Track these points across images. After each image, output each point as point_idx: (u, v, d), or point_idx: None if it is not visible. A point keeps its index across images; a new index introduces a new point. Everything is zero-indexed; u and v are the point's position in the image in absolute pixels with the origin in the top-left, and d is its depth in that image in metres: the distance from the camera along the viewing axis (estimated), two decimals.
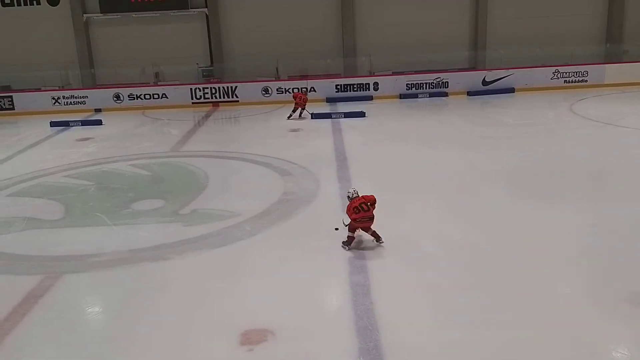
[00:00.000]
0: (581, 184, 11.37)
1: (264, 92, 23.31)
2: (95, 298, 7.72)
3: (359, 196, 8.53)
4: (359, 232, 8.53)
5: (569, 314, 6.50)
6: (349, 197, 8.69)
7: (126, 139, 17.87)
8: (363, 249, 8.42)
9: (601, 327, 6.23)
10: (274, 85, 23.46)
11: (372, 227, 8.47)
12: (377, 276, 7.53)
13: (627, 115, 17.40)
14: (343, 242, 8.53)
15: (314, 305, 6.93)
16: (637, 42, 24.73)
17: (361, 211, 8.35)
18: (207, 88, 23.59)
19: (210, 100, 23.55)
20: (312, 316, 6.65)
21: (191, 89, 23.63)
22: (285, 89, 23.18)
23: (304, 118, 19.35)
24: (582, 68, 23.29)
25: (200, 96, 23.57)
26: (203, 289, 7.53)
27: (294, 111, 19.51)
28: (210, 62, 25.81)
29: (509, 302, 6.78)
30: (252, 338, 6.21)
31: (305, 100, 19.55)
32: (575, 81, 23.22)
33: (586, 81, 23.18)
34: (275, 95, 23.21)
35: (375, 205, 8.44)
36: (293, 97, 19.94)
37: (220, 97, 23.53)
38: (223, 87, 23.57)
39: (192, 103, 23.54)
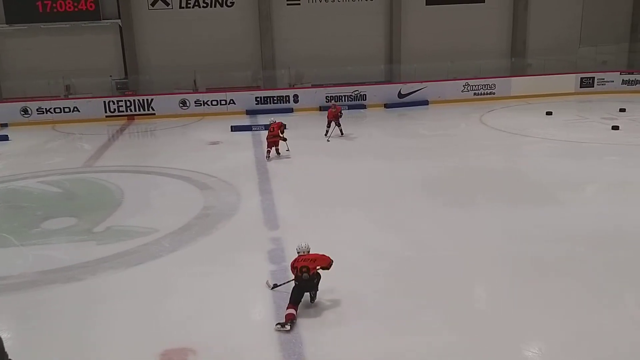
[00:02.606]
0: (495, 191, 11.88)
1: (181, 105, 22.91)
2: (3, 323, 7.24)
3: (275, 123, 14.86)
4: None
5: (492, 316, 6.77)
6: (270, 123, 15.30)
7: (35, 155, 17.01)
8: (285, 261, 8.39)
9: (524, 327, 6.50)
10: (191, 97, 23.12)
11: (277, 146, 14.99)
12: None
13: (532, 125, 18.40)
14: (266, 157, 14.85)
15: (236, 321, 6.80)
16: (538, 56, 26.29)
17: (269, 132, 14.93)
18: (122, 101, 22.91)
19: (125, 113, 22.88)
20: (234, 332, 6.53)
21: (104, 102, 22.87)
22: (203, 101, 22.90)
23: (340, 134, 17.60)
24: (490, 81, 24.49)
25: (115, 109, 22.85)
26: (119, 310, 7.23)
27: (328, 126, 17.63)
28: (125, 74, 25.08)
29: (435, 308, 6.94)
30: (172, 358, 6.02)
31: (333, 114, 17.45)
32: (484, 93, 24.37)
33: (494, 93, 24.37)
34: (193, 108, 22.89)
35: (283, 129, 14.95)
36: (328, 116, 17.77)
37: (135, 110, 22.90)
38: (138, 100, 22.97)
39: (106, 116, 22.77)
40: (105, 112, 22.79)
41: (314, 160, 14.79)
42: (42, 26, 24.28)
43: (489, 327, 6.47)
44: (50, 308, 7.43)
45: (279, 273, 7.99)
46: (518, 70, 26.46)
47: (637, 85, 24.62)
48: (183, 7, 25.00)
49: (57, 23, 24.22)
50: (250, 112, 22.75)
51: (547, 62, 25.70)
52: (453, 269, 8.06)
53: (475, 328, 6.44)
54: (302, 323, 6.62)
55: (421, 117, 21.53)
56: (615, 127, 17.22)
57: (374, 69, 25.93)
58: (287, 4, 25.59)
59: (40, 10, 23.91)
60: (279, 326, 6.42)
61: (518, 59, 26.87)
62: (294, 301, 6.68)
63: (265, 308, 7.08)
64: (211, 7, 25.14)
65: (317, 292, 7.01)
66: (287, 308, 6.59)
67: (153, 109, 22.94)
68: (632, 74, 25.10)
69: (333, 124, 17.38)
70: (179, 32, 24.94)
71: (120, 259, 8.81)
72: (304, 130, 19.22)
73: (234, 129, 19.21)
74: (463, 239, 9.16)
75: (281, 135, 14.94)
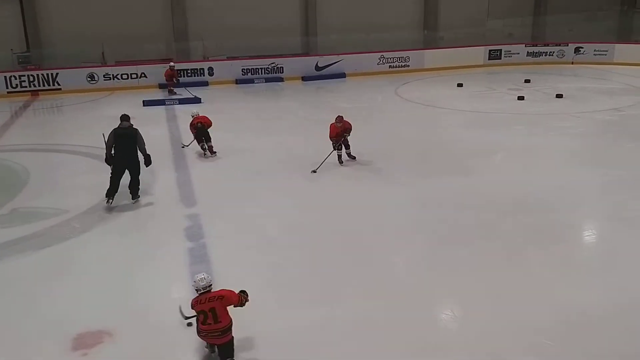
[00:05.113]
0: (409, 161, 12.19)
1: (89, 79, 21.85)
2: None
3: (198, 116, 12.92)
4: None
5: (408, 283, 6.99)
6: None
7: None
8: (203, 238, 8.28)
9: (439, 292, 6.78)
10: (100, 71, 22.09)
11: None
12: (219, 264, 7.42)
13: (444, 97, 18.98)
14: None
15: (153, 301, 6.64)
16: (450, 30, 26.99)
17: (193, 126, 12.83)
18: (24, 76, 21.59)
19: (28, 89, 21.57)
20: (152, 313, 6.39)
21: (5, 77, 21.46)
22: (113, 75, 21.95)
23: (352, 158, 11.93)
24: (404, 54, 24.93)
25: (17, 85, 21.51)
26: (28, 294, 6.90)
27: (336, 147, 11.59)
28: (27, 47, 23.54)
29: (353, 278, 7.06)
30: (85, 342, 5.81)
31: (337, 132, 11.44)
32: (398, 66, 24.81)
33: (408, 66, 24.86)
34: (102, 82, 21.90)
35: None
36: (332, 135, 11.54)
37: (39, 86, 21.64)
38: (43, 75, 21.70)
39: (8, 92, 21.40)
40: (7, 87, 21.39)
41: (233, 135, 14.50)
42: None
43: (405, 294, 6.67)
44: None
45: (196, 250, 7.89)
46: (431, 43, 27.06)
47: (541, 56, 25.86)
48: None
49: None
50: (164, 86, 21.97)
51: (458, 35, 26.44)
52: (369, 239, 8.24)
53: (392, 296, 6.63)
54: None
55: (339, 90, 21.67)
56: (520, 98, 18.04)
57: (291, 40, 25.72)
58: None
59: None
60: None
61: (431, 32, 27.48)
62: None
63: (183, 287, 6.94)
64: None
65: None
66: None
67: (59, 84, 21.75)
68: (536, 46, 26.32)
69: (336, 147, 11.52)
70: (84, 1, 23.60)
71: (27, 242, 8.40)
72: (220, 104, 18.88)
73: (147, 103, 18.57)
74: (379, 209, 9.36)
75: None
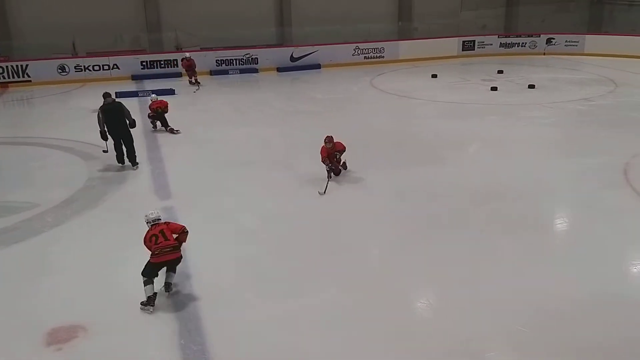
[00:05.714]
0: (384, 152, 12.23)
1: (60, 71, 21.41)
2: None
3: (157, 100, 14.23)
4: None
5: (383, 273, 7.03)
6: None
7: None
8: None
9: (414, 280, 6.84)
10: (71, 62, 21.64)
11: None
12: (196, 256, 7.37)
13: (419, 88, 19.05)
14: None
15: (127, 295, 6.53)
16: (424, 21, 27.08)
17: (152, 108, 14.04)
18: None
19: None
20: (126, 307, 6.30)
21: None
22: (84, 66, 21.56)
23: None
24: (379, 45, 24.94)
25: None
26: (0, 289, 6.78)
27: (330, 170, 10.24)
28: None
29: (329, 269, 7.08)
30: (59, 336, 5.74)
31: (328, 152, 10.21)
32: (373, 57, 24.81)
33: (383, 57, 24.88)
34: (73, 74, 21.46)
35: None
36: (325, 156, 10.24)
37: (9, 78, 21.10)
38: (12, 66, 21.17)
39: None
40: None
41: (205, 128, 14.42)
42: None
43: (381, 283, 6.73)
44: None
45: None
46: (405, 34, 27.11)
47: (513, 47, 26.12)
48: None
49: None
50: (136, 77, 21.73)
51: (432, 26, 26.55)
52: (344, 229, 8.28)
53: (367, 285, 6.68)
54: (198, 288, 6.55)
55: (315, 81, 21.59)
56: (493, 88, 18.22)
57: (265, 31, 25.53)
58: None
59: None
60: (141, 306, 6.22)
61: (405, 23, 27.52)
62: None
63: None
64: None
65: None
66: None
67: (29, 76, 21.27)
68: (509, 37, 26.57)
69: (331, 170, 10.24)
70: None
71: None
72: (193, 96, 18.70)
73: (119, 95, 18.25)
74: (354, 200, 9.40)
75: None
